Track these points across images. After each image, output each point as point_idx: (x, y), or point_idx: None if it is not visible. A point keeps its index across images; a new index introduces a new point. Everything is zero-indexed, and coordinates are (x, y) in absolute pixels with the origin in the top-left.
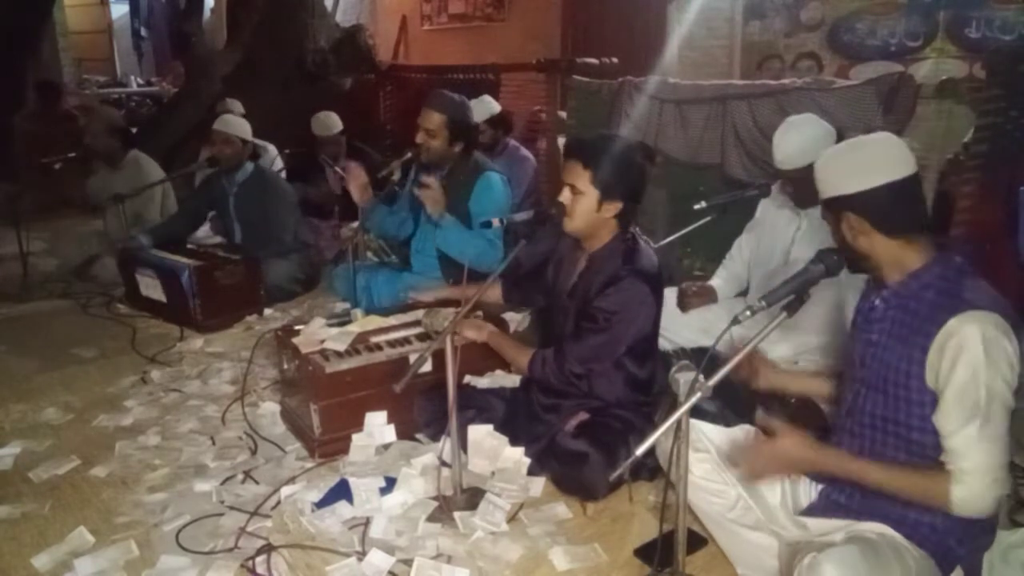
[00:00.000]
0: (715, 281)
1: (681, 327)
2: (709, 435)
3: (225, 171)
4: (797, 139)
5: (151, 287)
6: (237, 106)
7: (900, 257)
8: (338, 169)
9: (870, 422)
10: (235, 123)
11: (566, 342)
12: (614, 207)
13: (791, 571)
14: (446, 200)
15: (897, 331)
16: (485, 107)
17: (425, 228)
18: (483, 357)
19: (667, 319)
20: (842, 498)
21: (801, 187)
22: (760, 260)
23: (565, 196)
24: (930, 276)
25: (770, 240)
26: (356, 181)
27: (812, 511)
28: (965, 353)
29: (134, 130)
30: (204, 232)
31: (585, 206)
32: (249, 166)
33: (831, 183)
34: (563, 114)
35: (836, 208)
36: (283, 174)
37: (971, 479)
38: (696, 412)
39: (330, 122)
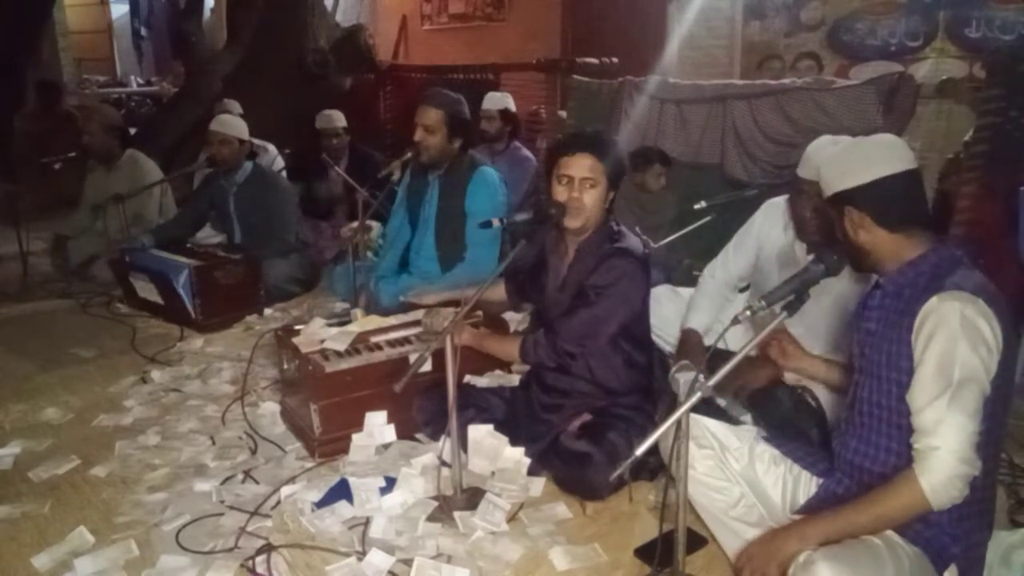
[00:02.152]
0: (701, 317)
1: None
2: (713, 431)
3: (224, 171)
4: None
5: (147, 290)
6: (236, 106)
7: (899, 251)
8: (339, 170)
9: (867, 409)
10: (231, 123)
11: (557, 321)
12: (612, 196)
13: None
14: (443, 202)
15: (889, 317)
16: (501, 99)
17: (423, 230)
18: (483, 356)
19: (665, 320)
20: (839, 490)
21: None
22: (757, 286)
23: (575, 189)
24: (926, 264)
25: (769, 271)
26: None
27: (809, 508)
28: (942, 329)
29: (133, 130)
30: (204, 232)
31: (597, 197)
32: (248, 165)
33: (834, 179)
34: (563, 113)
35: (839, 204)
36: (283, 174)
37: (940, 456)
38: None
39: (334, 116)
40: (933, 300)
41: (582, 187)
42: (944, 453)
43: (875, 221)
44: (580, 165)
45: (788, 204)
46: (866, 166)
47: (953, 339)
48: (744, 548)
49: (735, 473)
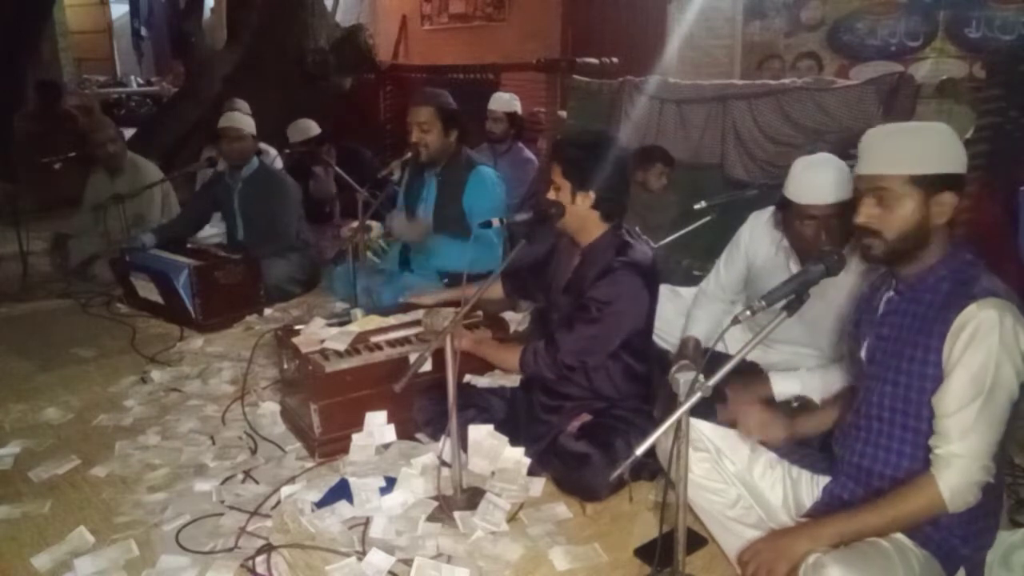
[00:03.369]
0: (700, 326)
1: (681, 328)
2: (708, 434)
3: (231, 167)
4: (832, 174)
5: (147, 290)
6: (244, 106)
7: (937, 248)
8: (340, 171)
9: (877, 414)
10: (244, 119)
11: (558, 333)
12: (587, 198)
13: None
14: (439, 203)
15: (910, 323)
16: (509, 102)
17: None
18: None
19: (666, 320)
20: (845, 494)
21: (829, 226)
22: (751, 298)
23: (549, 193)
24: (945, 270)
25: (762, 282)
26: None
27: (815, 513)
28: (981, 336)
29: (132, 131)
30: (205, 232)
31: (562, 200)
32: (255, 161)
33: (943, 158)
34: (563, 113)
35: (940, 185)
36: None
37: (962, 463)
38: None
39: (304, 126)
40: (972, 307)
41: (552, 190)
42: (966, 461)
43: (953, 211)
44: (551, 168)
45: (784, 231)
46: (961, 156)
47: (992, 348)
48: (751, 543)
49: (731, 475)
